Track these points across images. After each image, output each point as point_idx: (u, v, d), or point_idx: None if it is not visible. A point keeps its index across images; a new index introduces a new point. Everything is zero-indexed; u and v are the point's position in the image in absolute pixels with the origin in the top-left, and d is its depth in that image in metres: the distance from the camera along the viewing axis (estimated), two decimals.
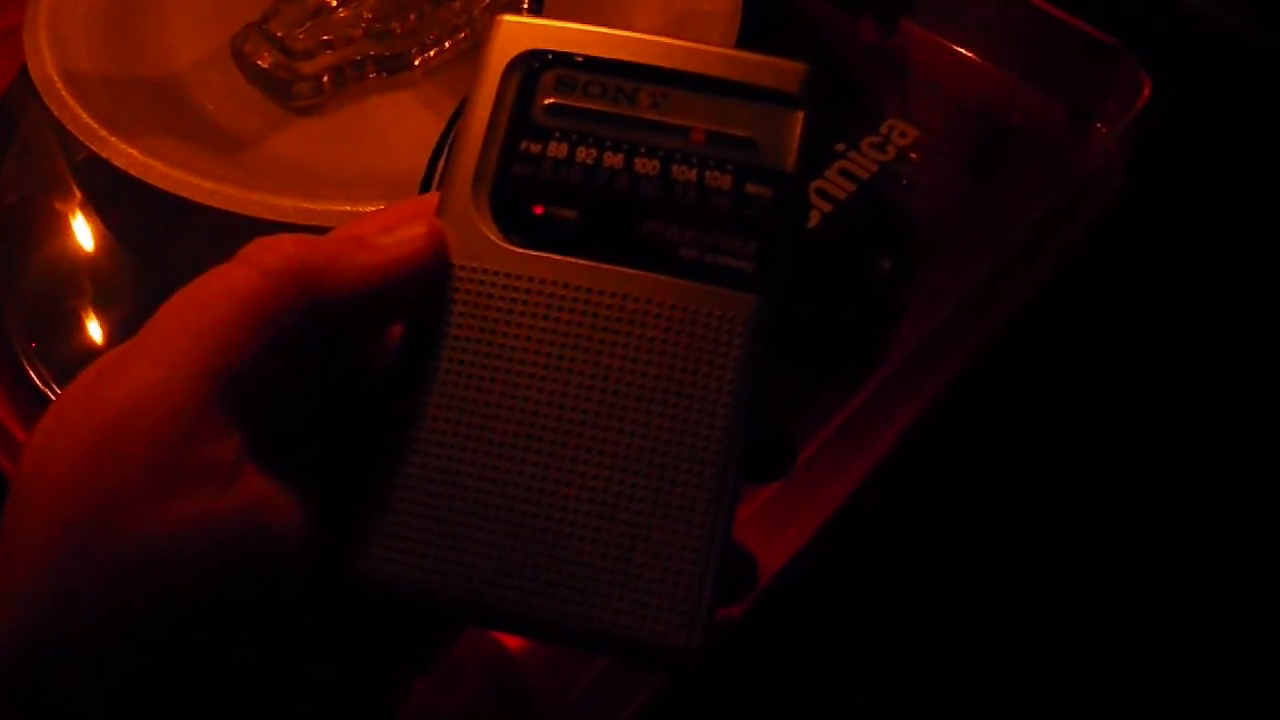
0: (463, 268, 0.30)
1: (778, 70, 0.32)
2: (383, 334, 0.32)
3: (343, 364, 0.31)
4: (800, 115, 0.31)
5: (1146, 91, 0.56)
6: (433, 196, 0.32)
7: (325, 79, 0.54)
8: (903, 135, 0.57)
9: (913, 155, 0.57)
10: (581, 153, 0.31)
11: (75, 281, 0.53)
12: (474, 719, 0.41)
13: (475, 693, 0.41)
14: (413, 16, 0.55)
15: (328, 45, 0.53)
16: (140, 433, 0.26)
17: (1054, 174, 0.58)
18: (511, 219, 0.31)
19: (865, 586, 0.53)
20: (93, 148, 0.48)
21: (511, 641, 0.41)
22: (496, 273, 0.30)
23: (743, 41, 0.54)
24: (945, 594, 0.55)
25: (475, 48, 0.56)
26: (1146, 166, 0.58)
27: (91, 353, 0.51)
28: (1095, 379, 0.60)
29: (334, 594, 0.29)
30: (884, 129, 0.58)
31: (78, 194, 0.56)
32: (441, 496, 0.29)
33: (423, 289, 0.30)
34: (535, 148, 0.31)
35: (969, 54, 0.62)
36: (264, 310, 0.28)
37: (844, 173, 0.55)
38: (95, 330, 0.52)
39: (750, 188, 0.31)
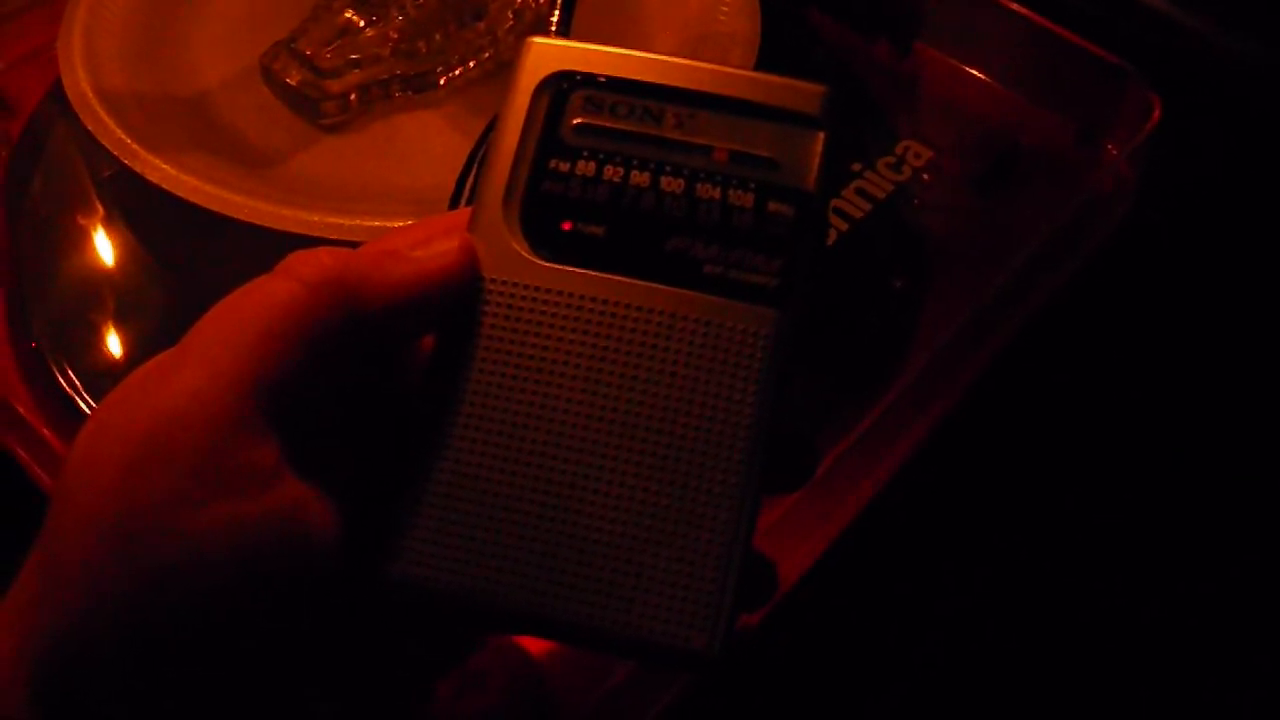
0: (493, 281, 0.31)
1: (798, 92, 0.32)
2: (415, 345, 0.32)
3: (376, 373, 0.32)
4: (820, 136, 0.32)
5: (1156, 113, 0.57)
6: (463, 212, 0.33)
7: (352, 97, 0.54)
8: (917, 156, 0.58)
9: (926, 176, 0.58)
10: (609, 171, 0.32)
11: (103, 293, 0.54)
12: None
13: (497, 698, 0.42)
14: (438, 36, 0.56)
15: (355, 64, 0.54)
16: (183, 438, 0.27)
17: (1064, 194, 0.58)
18: (541, 234, 0.31)
19: (884, 594, 0.54)
20: (128, 164, 0.49)
21: (533, 647, 0.42)
22: (526, 286, 0.31)
23: (761, 63, 0.55)
24: (963, 602, 0.55)
25: (499, 67, 0.57)
26: (1157, 187, 0.58)
27: (120, 362, 0.52)
28: (1105, 393, 0.60)
29: (364, 596, 0.30)
30: (899, 149, 0.59)
31: (107, 209, 0.57)
32: (471, 503, 0.30)
33: (454, 301, 0.31)
34: (564, 166, 0.32)
35: (982, 76, 0.63)
36: (302, 320, 0.28)
37: (860, 192, 0.56)
38: (124, 340, 0.53)
39: (772, 206, 0.31)
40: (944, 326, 0.52)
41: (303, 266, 0.29)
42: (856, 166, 0.57)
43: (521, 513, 0.30)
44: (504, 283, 0.31)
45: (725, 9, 0.57)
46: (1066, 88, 0.61)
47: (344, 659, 0.30)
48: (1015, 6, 0.61)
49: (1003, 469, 0.58)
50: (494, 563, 0.29)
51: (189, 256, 0.54)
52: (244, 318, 0.28)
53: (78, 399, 0.49)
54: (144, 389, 0.28)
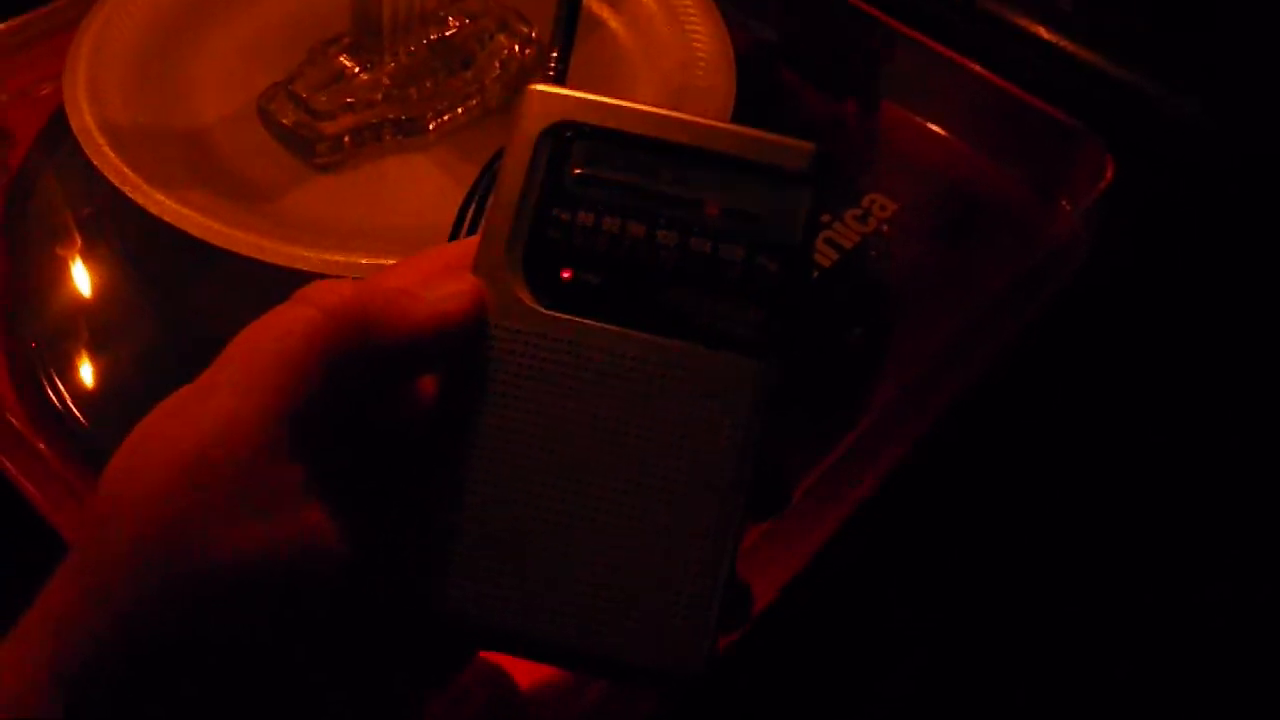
0: (498, 326, 0.33)
1: (788, 150, 0.34)
2: (415, 384, 0.34)
3: (381, 407, 0.33)
4: (808, 193, 0.33)
5: (1110, 171, 0.60)
6: (466, 244, 0.34)
7: (346, 139, 0.56)
8: (882, 208, 0.61)
9: (886, 228, 0.60)
10: (607, 222, 0.33)
11: (96, 316, 0.56)
12: None
13: (480, 713, 0.43)
14: (429, 83, 0.58)
15: (349, 107, 0.56)
16: (220, 461, 0.28)
17: (1022, 246, 0.61)
18: (542, 281, 0.33)
19: (846, 621, 0.56)
20: (134, 198, 0.50)
21: (514, 666, 0.44)
22: (528, 334, 0.32)
23: (735, 117, 0.57)
24: (919, 631, 0.58)
25: (486, 114, 0.59)
26: (1110, 240, 0.61)
27: (111, 382, 0.54)
28: (1060, 435, 0.63)
29: (391, 621, 0.31)
30: (865, 202, 0.61)
31: (101, 236, 0.58)
32: (489, 541, 0.32)
33: (461, 343, 0.32)
34: (565, 215, 0.33)
35: (945, 134, 0.66)
36: (325, 347, 0.30)
37: (829, 242, 0.59)
38: (115, 361, 0.55)
39: (761, 260, 0.33)
40: (902, 375, 0.54)
41: (325, 296, 0.30)
42: (825, 217, 0.60)
43: (534, 552, 0.32)
44: (508, 329, 0.33)
45: (703, 66, 0.59)
46: (1025, 145, 0.64)
47: (346, 672, 0.31)
48: (978, 69, 0.64)
49: (962, 505, 0.60)
50: (516, 599, 0.31)
51: (179, 282, 0.56)
52: (271, 345, 0.30)
53: (69, 417, 0.51)
54: (181, 412, 0.29)
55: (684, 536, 0.32)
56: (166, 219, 0.50)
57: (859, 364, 0.56)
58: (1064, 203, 0.62)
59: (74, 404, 0.52)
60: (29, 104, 0.62)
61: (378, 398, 0.33)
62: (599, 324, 0.33)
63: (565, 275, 0.33)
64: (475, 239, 0.34)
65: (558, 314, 0.33)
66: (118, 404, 0.52)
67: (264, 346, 0.30)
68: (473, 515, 0.32)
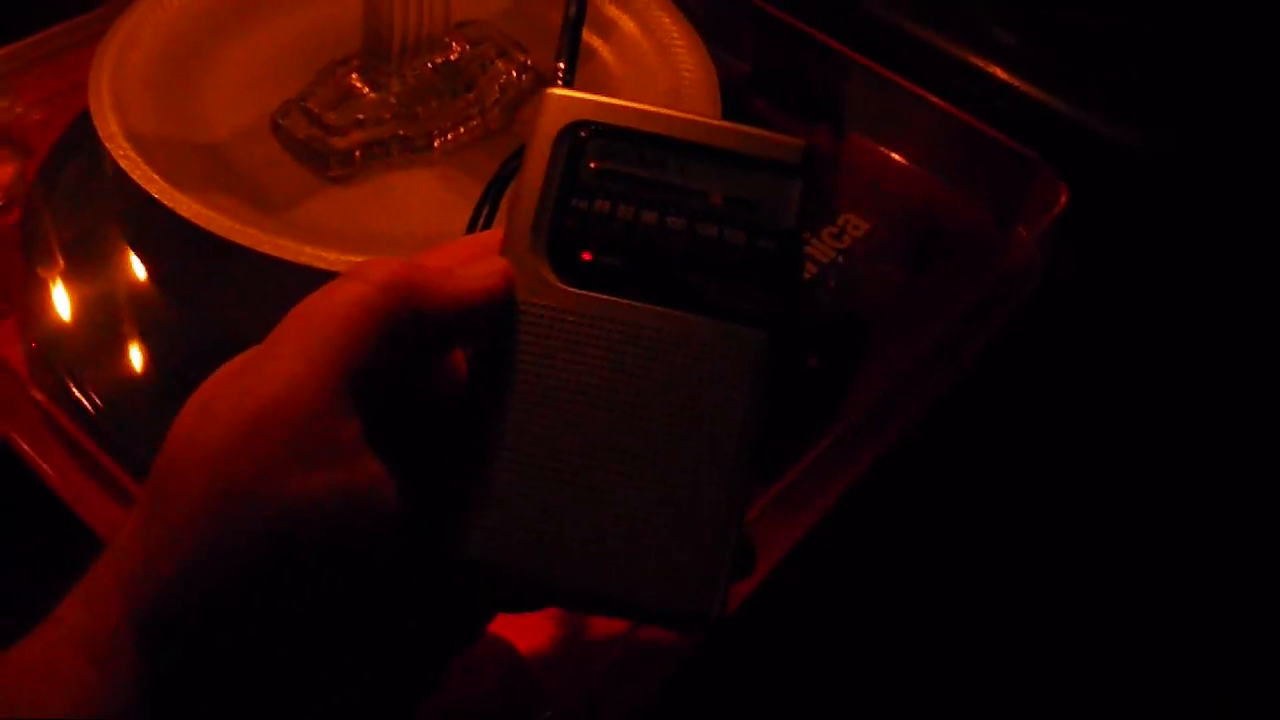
0: (526, 303, 0.36)
1: (781, 145, 0.37)
2: (449, 358, 0.37)
3: (423, 375, 0.36)
4: (800, 183, 0.37)
5: (1064, 199, 0.63)
6: (490, 234, 0.37)
7: (356, 153, 0.59)
8: (856, 228, 0.64)
9: (841, 259, 0.63)
10: (622, 210, 0.37)
11: (107, 316, 0.59)
12: (487, 708, 0.45)
13: (490, 685, 0.46)
14: (434, 104, 0.60)
15: (360, 124, 0.59)
16: (284, 417, 0.31)
17: (981, 269, 0.64)
18: (565, 263, 0.36)
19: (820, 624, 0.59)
20: (160, 200, 0.53)
21: (522, 643, 0.46)
22: (554, 309, 0.36)
23: None
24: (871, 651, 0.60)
25: (487, 134, 0.62)
26: (1062, 264, 0.64)
27: (128, 376, 0.56)
28: (1013, 444, 0.66)
29: (430, 570, 0.34)
30: (840, 221, 0.64)
31: (113, 241, 0.61)
32: (521, 495, 0.34)
33: (492, 317, 0.35)
34: (583, 204, 0.37)
35: (906, 163, 0.69)
36: (377, 316, 0.32)
37: (807, 257, 0.62)
38: (129, 357, 0.57)
39: (761, 243, 0.36)
40: (862, 395, 0.57)
41: (376, 272, 0.33)
42: (805, 235, 0.63)
43: (561, 505, 0.34)
44: (535, 305, 0.36)
45: (689, 94, 0.63)
46: (983, 175, 0.67)
47: (384, 625, 0.33)
48: (938, 101, 0.68)
49: (920, 527, 0.64)
50: (544, 547, 0.34)
51: (193, 284, 0.59)
52: (328, 314, 0.32)
53: (90, 416, 0.53)
54: (243, 375, 0.32)
55: (699, 490, 0.34)
56: (197, 222, 0.52)
57: (818, 385, 0.58)
58: (1020, 229, 0.65)
59: (101, 405, 0.54)
60: (46, 116, 0.65)
61: (420, 367, 0.36)
62: (618, 300, 0.36)
63: (585, 257, 0.36)
64: (497, 231, 0.37)
65: (580, 291, 0.36)
66: (138, 402, 0.54)
67: (321, 317, 0.32)
68: (502, 472, 0.34)
